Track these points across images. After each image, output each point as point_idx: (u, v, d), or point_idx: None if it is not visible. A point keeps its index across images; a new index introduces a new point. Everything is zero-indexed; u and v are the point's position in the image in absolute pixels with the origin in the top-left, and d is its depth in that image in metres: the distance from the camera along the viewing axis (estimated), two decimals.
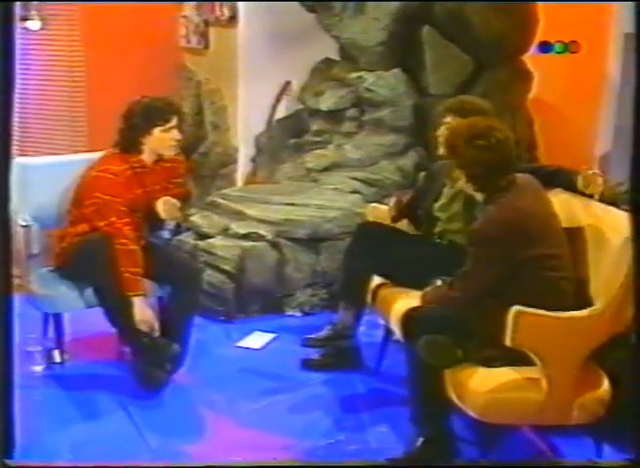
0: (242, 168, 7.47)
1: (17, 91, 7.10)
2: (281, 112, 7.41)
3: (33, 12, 7.61)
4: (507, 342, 3.74)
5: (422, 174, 6.51)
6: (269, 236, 5.84)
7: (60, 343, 5.06)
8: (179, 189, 5.04)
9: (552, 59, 6.60)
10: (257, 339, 5.43)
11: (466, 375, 3.90)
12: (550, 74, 6.91)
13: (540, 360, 3.79)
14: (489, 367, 3.91)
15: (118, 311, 4.65)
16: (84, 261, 4.68)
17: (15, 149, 7.29)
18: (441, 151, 4.70)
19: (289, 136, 7.26)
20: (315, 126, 7.03)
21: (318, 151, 6.85)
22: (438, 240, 4.86)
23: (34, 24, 7.66)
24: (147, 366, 4.69)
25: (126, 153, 4.82)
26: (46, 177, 5.02)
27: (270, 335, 5.47)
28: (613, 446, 4.01)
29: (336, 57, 7.20)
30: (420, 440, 4.01)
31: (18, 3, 6.64)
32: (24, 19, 7.51)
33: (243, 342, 5.41)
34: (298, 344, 5.18)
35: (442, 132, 4.73)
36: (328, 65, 7.20)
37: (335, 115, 6.91)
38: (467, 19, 6.55)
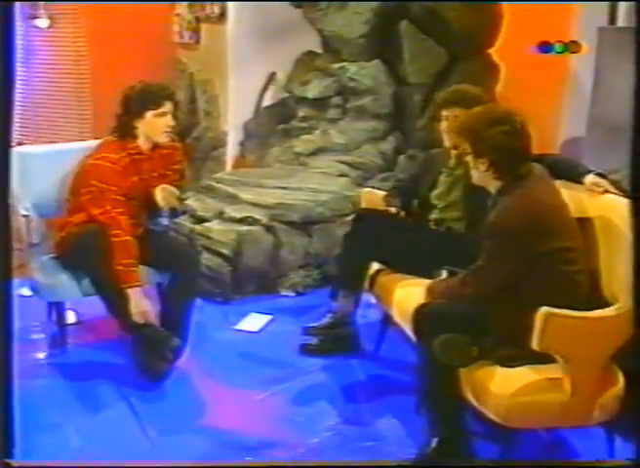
0: (231, 151, 6.56)
1: (28, 83, 5.95)
2: (268, 100, 6.48)
3: (42, 11, 6.95)
4: (535, 345, 2.81)
5: (402, 158, 5.66)
6: (264, 220, 4.80)
7: (62, 331, 4.01)
8: (176, 175, 4.01)
9: (516, 54, 5.75)
10: (254, 322, 4.38)
11: (485, 376, 2.95)
12: (514, 67, 5.99)
13: (565, 361, 2.86)
14: (507, 366, 2.94)
15: (114, 302, 3.68)
16: (80, 252, 3.70)
17: (26, 137, 6.40)
18: (447, 143, 3.82)
19: (276, 122, 6.28)
20: (302, 112, 6.04)
21: (305, 136, 5.86)
22: (435, 226, 3.84)
23: (43, 22, 6.98)
24: (149, 357, 3.67)
25: (123, 140, 3.82)
26: (46, 166, 3.99)
27: (267, 317, 4.43)
28: (624, 439, 3.03)
29: (318, 49, 6.25)
30: (435, 440, 3.04)
31: (28, 3, 5.57)
32: (34, 17, 6.91)
33: (240, 325, 4.36)
34: (294, 326, 4.23)
35: (444, 125, 3.81)
36: (311, 57, 6.26)
37: (320, 102, 5.93)
38: (443, 15, 5.71)
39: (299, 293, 4.79)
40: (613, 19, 5.61)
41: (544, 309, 2.73)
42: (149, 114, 3.75)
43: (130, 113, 3.77)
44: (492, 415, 2.87)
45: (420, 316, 3.07)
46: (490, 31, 5.90)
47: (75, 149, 4.06)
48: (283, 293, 4.79)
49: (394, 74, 5.80)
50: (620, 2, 5.50)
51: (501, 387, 2.85)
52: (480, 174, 3.07)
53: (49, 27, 7.02)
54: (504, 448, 3.04)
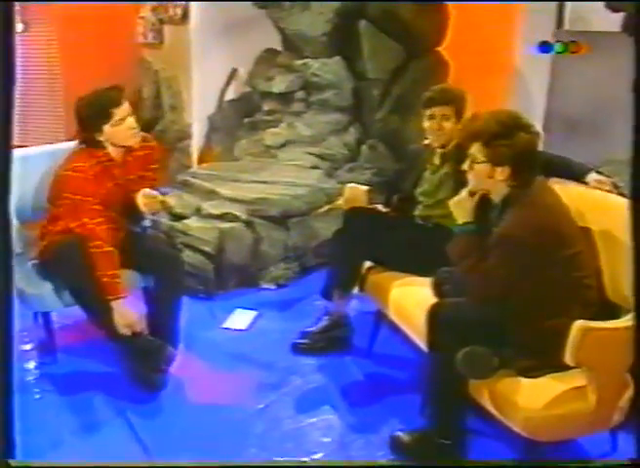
0: (196, 143, 5.91)
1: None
2: (230, 95, 5.82)
3: (16, 17, 6.07)
4: (569, 360, 2.26)
5: (364, 147, 5.03)
6: (244, 216, 4.12)
7: (50, 340, 3.28)
8: (155, 175, 3.29)
9: (464, 50, 5.21)
10: (240, 319, 3.71)
11: (508, 388, 2.39)
12: (460, 65, 5.35)
13: (592, 370, 2.30)
14: (528, 377, 2.38)
15: (98, 314, 2.99)
16: (60, 264, 3.01)
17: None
18: (429, 141, 3.24)
19: (241, 115, 5.57)
20: (267, 106, 5.34)
21: (273, 129, 5.17)
22: (422, 222, 3.24)
23: (18, 27, 6.32)
24: (141, 368, 2.99)
25: (92, 148, 3.08)
26: (25, 169, 3.13)
27: (253, 313, 3.76)
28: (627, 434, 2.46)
29: (277, 46, 5.55)
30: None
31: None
32: None
33: (228, 323, 3.68)
34: (280, 321, 3.66)
35: (429, 124, 3.17)
36: (272, 54, 5.55)
37: (284, 97, 5.24)
38: (399, 15, 5.07)
39: (279, 286, 4.13)
40: (560, 22, 5.08)
41: (580, 323, 2.18)
42: (106, 127, 3.03)
43: (88, 129, 3.05)
44: (518, 429, 2.32)
45: (435, 321, 2.47)
46: (439, 31, 5.30)
47: (54, 151, 3.33)
48: (264, 287, 4.11)
49: (354, 70, 5.15)
50: (566, 7, 4.98)
51: (530, 401, 2.30)
52: (489, 181, 2.42)
53: (23, 32, 6.44)
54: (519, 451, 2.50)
